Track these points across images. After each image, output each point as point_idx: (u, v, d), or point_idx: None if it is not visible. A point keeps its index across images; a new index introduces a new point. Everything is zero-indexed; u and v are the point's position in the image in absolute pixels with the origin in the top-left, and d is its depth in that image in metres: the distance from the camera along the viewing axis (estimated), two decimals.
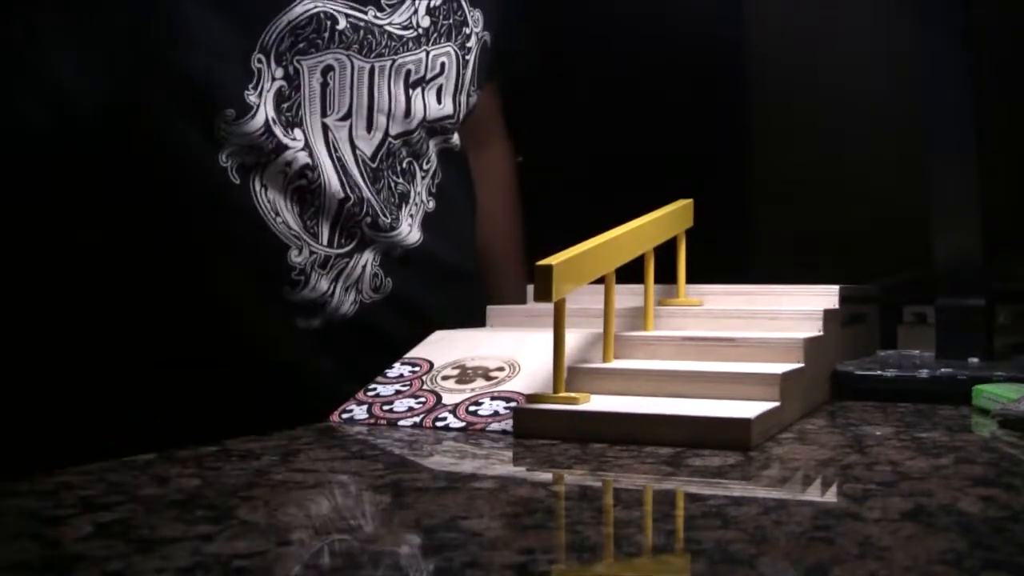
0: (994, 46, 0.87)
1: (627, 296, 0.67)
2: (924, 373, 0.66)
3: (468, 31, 0.87)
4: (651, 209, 0.67)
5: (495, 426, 0.54)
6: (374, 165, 0.80)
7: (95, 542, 0.32)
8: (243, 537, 0.32)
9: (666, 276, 0.71)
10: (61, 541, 0.32)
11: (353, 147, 0.78)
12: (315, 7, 0.75)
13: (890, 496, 0.37)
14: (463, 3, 0.86)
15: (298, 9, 0.74)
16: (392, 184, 0.82)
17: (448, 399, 0.59)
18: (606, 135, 1.29)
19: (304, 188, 0.75)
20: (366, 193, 0.79)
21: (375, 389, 0.62)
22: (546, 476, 0.44)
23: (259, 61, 0.73)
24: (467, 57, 0.87)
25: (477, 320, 0.78)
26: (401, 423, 0.57)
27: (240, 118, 0.72)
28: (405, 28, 0.81)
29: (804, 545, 0.31)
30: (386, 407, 0.59)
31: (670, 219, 0.69)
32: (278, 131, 0.73)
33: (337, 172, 0.77)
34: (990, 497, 0.37)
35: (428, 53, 0.83)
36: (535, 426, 0.52)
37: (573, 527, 0.34)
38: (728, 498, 0.38)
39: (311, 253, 0.76)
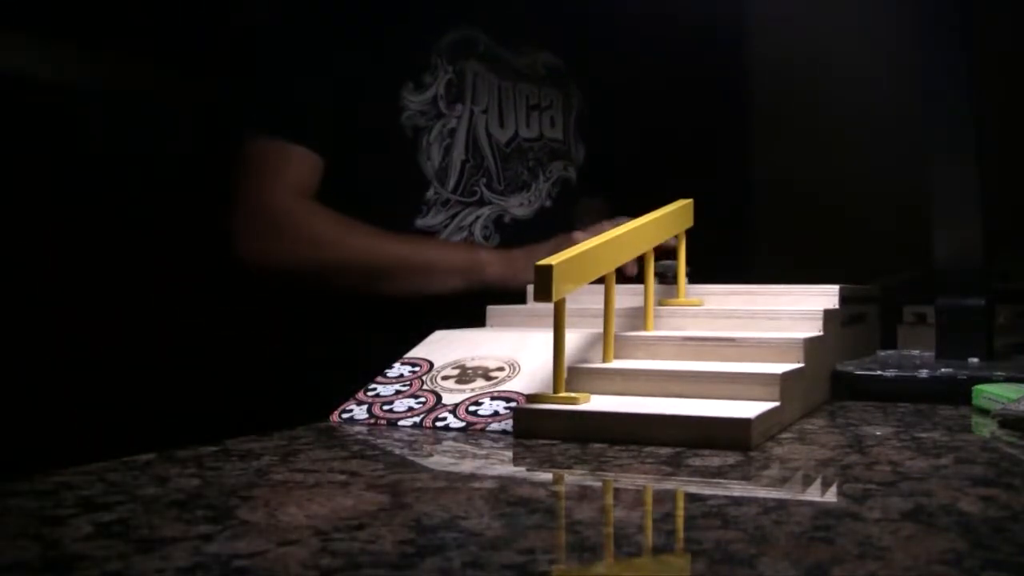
0: (994, 46, 0.87)
1: (627, 296, 0.67)
2: (924, 373, 0.65)
3: (572, 97, 1.22)
4: (651, 209, 0.67)
5: (495, 426, 0.54)
6: (507, 151, 1.14)
7: (95, 542, 0.32)
8: (243, 537, 0.32)
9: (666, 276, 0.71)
10: (61, 541, 0.32)
11: (488, 133, 1.12)
12: (467, 33, 1.10)
13: (890, 496, 0.37)
14: (571, 80, 1.22)
15: (458, 31, 1.10)
16: (518, 171, 1.15)
17: (448, 399, 0.59)
18: (605, 135, 1.29)
19: (445, 147, 1.08)
20: (488, 163, 1.11)
21: (375, 389, 0.62)
22: (546, 476, 0.44)
23: (436, 57, 1.08)
24: (570, 105, 1.22)
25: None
26: (401, 423, 0.57)
27: (416, 90, 1.07)
28: (527, 67, 1.17)
29: (804, 545, 0.31)
30: (386, 407, 0.59)
31: (670, 219, 0.69)
32: (442, 105, 1.08)
33: (467, 142, 1.09)
34: (990, 497, 0.37)
35: (540, 90, 1.18)
36: (535, 426, 0.52)
37: (573, 527, 0.34)
38: (728, 498, 0.38)
39: (435, 193, 1.08)
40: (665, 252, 0.72)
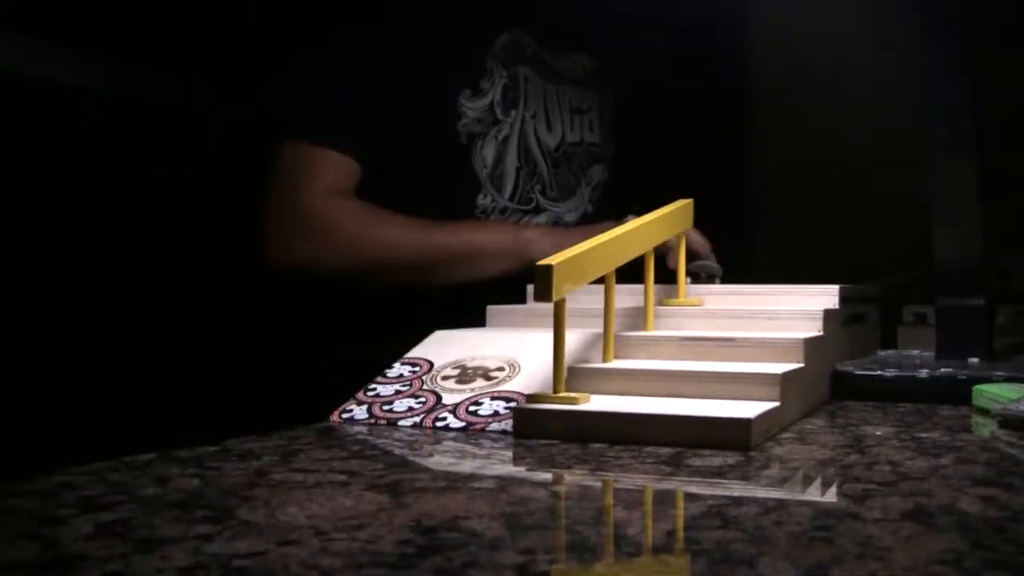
0: (995, 46, 0.87)
1: (627, 296, 0.67)
2: (924, 373, 0.65)
3: (607, 99, 1.21)
4: (651, 209, 0.67)
5: (495, 426, 0.54)
6: (556, 155, 1.12)
7: (95, 542, 0.32)
8: (243, 537, 0.32)
9: (666, 276, 0.71)
10: (61, 541, 0.32)
11: (538, 138, 1.11)
12: (516, 36, 1.09)
13: (890, 496, 0.37)
14: (606, 81, 1.21)
15: (508, 35, 1.08)
16: (567, 176, 1.14)
17: (448, 399, 0.59)
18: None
19: (502, 153, 1.07)
20: (540, 169, 1.11)
21: (375, 389, 0.62)
22: (546, 476, 0.44)
23: (491, 62, 1.07)
24: (604, 105, 1.21)
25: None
26: (401, 423, 0.57)
27: (473, 96, 1.05)
28: (568, 70, 1.15)
29: (804, 545, 0.31)
30: (386, 407, 0.59)
31: (670, 219, 0.69)
32: (498, 111, 1.07)
33: (518, 149, 1.08)
34: (990, 497, 0.37)
35: (581, 93, 1.16)
36: (535, 426, 0.52)
37: (573, 527, 0.34)
38: (728, 498, 0.38)
39: (492, 200, 1.07)
40: (662, 254, 0.72)
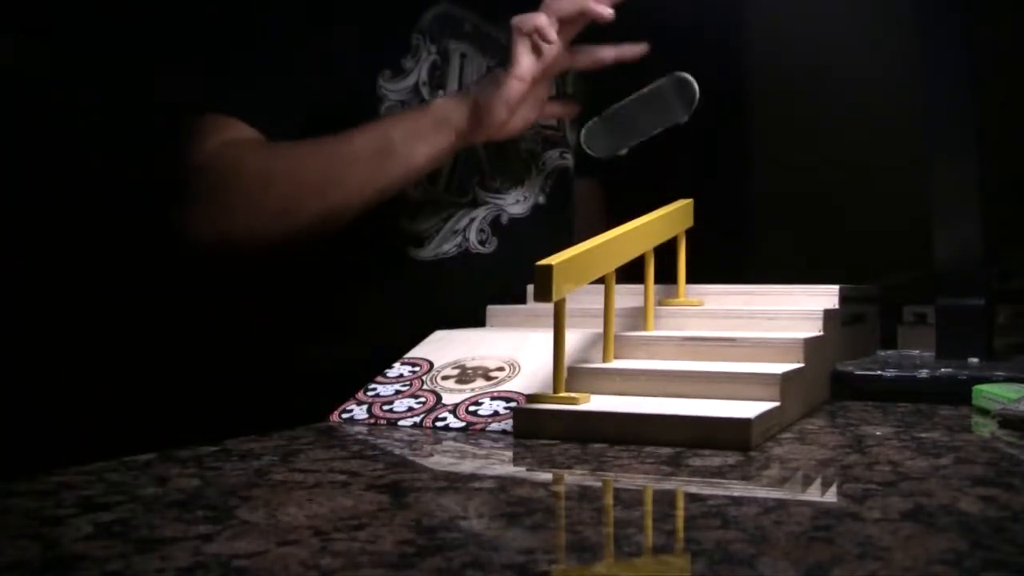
0: (995, 46, 0.87)
1: (627, 296, 0.67)
2: (924, 373, 0.65)
3: (566, 75, 1.03)
4: (651, 209, 0.67)
5: (495, 426, 0.54)
6: (500, 142, 0.94)
7: (95, 542, 0.32)
8: (243, 537, 0.32)
9: (666, 276, 0.71)
10: (61, 541, 0.32)
11: None
12: (451, 9, 0.96)
13: (890, 496, 0.37)
14: None
15: (441, 7, 0.95)
16: (514, 164, 1.00)
17: (448, 399, 0.59)
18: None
19: None
20: (480, 155, 0.97)
21: (375, 389, 0.62)
22: (546, 476, 0.44)
23: (417, 37, 0.94)
24: (566, 91, 1.04)
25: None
26: (401, 423, 0.57)
27: (394, 77, 0.92)
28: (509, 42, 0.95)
29: (804, 545, 0.31)
30: (386, 407, 0.59)
31: (670, 219, 0.69)
32: (425, 92, 0.93)
33: None
34: (990, 497, 0.37)
35: None
36: (535, 426, 0.52)
37: (573, 527, 0.34)
38: (728, 498, 0.38)
39: (424, 192, 0.93)
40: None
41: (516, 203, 1.00)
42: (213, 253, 0.89)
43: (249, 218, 0.85)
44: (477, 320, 0.78)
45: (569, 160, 1.07)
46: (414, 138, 0.85)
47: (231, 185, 0.86)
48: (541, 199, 1.02)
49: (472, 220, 0.97)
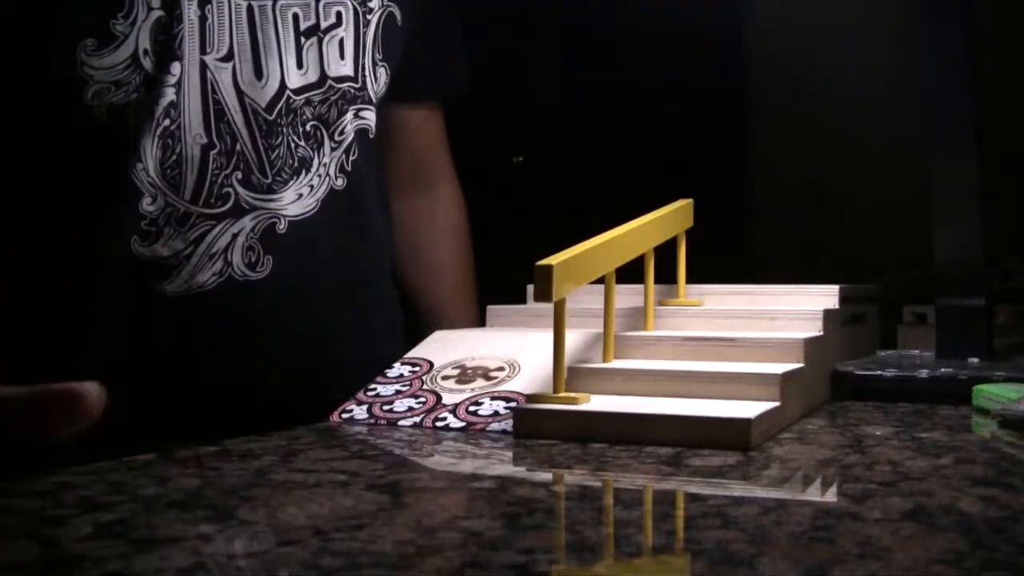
0: (995, 46, 0.87)
1: (627, 296, 0.67)
2: (924, 373, 0.65)
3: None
4: (651, 209, 0.67)
5: (495, 426, 0.54)
6: (270, 117, 0.72)
7: (95, 542, 0.32)
8: (243, 537, 0.32)
9: (666, 276, 0.71)
10: (61, 541, 0.32)
11: (240, 93, 0.71)
12: None
13: (890, 496, 0.37)
14: None
15: None
16: (292, 145, 0.74)
17: (448, 399, 0.59)
18: (606, 135, 1.29)
19: (167, 130, 0.68)
20: (242, 145, 0.71)
21: (375, 389, 0.62)
22: (546, 476, 0.44)
23: None
24: (368, 16, 0.78)
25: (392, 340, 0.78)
26: (401, 423, 0.57)
27: (99, 48, 0.67)
28: None
29: (804, 545, 0.31)
30: (386, 407, 0.59)
31: (670, 219, 0.69)
32: (147, 64, 0.67)
33: (204, 115, 0.69)
34: (990, 497, 0.37)
35: (317, 1, 0.75)
36: (535, 426, 0.52)
37: (573, 527, 0.34)
38: (728, 498, 0.38)
39: (166, 205, 0.68)
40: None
41: (298, 199, 0.74)
42: None
43: None
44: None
45: (369, 118, 0.80)
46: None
47: None
48: (339, 181, 0.77)
49: (236, 236, 0.71)
